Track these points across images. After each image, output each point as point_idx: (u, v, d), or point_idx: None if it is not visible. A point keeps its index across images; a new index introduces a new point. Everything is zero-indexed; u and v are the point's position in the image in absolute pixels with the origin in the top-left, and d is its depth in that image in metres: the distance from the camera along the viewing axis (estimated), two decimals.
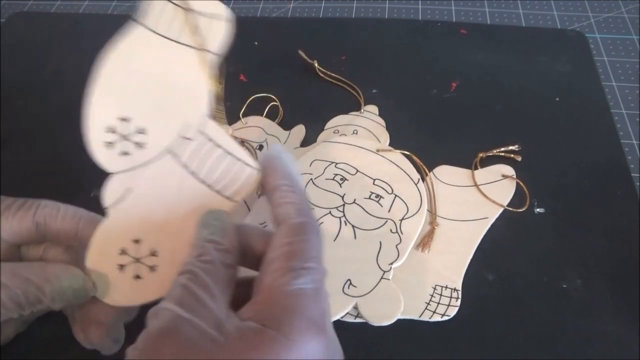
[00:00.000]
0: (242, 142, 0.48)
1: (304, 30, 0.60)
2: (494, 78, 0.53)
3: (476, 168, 0.46)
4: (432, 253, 0.40)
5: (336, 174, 0.44)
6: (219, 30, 0.34)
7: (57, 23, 0.64)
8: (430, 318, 0.37)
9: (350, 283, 0.37)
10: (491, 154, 0.46)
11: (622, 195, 0.44)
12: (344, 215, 0.41)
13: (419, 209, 0.42)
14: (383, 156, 0.45)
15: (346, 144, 0.46)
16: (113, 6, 0.66)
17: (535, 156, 0.46)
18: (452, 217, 0.43)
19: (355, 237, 0.40)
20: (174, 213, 0.32)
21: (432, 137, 0.49)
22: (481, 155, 0.46)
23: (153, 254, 0.31)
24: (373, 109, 0.51)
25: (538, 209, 0.43)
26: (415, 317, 0.37)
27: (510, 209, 0.43)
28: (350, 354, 0.27)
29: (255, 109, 0.51)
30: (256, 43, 0.59)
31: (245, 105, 0.51)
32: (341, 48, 0.57)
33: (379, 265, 0.39)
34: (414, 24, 0.60)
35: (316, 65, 0.54)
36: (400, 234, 0.41)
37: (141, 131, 0.33)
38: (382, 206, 0.42)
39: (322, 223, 0.41)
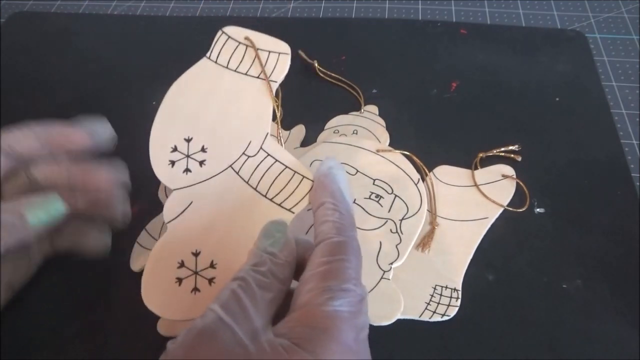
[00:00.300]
0: None
1: (304, 31, 0.60)
2: (494, 78, 0.53)
3: (476, 168, 0.46)
4: (433, 253, 0.40)
5: None
6: (280, 64, 0.40)
7: (57, 23, 0.64)
8: (430, 318, 0.37)
9: None
10: (491, 154, 0.46)
11: (622, 195, 0.44)
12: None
13: (419, 209, 0.42)
14: (383, 156, 0.45)
15: (346, 144, 0.46)
16: (113, 6, 0.66)
17: (535, 156, 0.46)
18: (452, 217, 0.43)
19: None
20: (233, 225, 0.33)
21: (432, 137, 0.49)
22: (481, 155, 0.46)
23: (212, 265, 0.32)
24: (373, 109, 0.51)
25: (538, 209, 0.43)
26: (415, 317, 0.37)
27: (511, 209, 0.43)
28: None
29: None
30: None
31: None
32: (341, 48, 0.57)
33: (379, 265, 0.39)
34: (414, 24, 0.60)
35: (316, 65, 0.54)
36: (400, 234, 0.41)
37: (205, 150, 0.35)
38: (382, 206, 0.42)
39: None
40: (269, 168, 0.34)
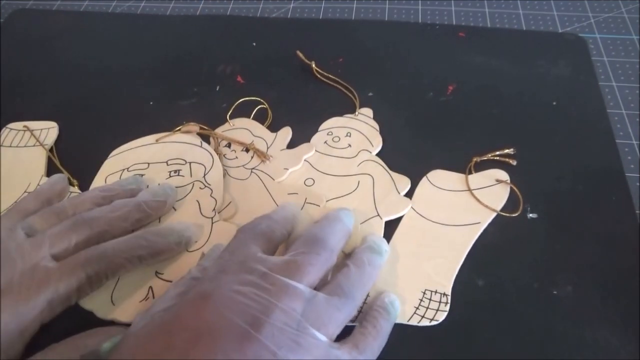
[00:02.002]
0: (229, 145, 0.49)
1: (303, 31, 0.60)
2: (490, 82, 0.53)
3: (470, 172, 0.46)
4: (423, 258, 0.40)
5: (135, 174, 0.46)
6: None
7: (57, 21, 0.64)
8: (418, 322, 0.37)
9: None
10: (486, 158, 0.46)
11: (616, 201, 0.43)
12: None
13: (212, 164, 0.47)
14: (167, 141, 0.49)
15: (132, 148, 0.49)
16: (114, 5, 0.67)
17: (530, 161, 0.46)
18: (444, 221, 0.42)
19: None
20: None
21: (427, 140, 0.48)
22: (475, 159, 0.46)
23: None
24: (368, 111, 0.51)
25: (531, 214, 0.43)
26: (404, 322, 0.37)
27: (504, 213, 0.43)
28: None
29: (246, 112, 0.52)
30: (254, 44, 0.59)
31: (232, 108, 0.52)
32: (339, 50, 0.57)
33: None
34: (412, 26, 0.60)
35: (314, 66, 0.54)
36: (207, 184, 0.45)
37: None
38: (183, 176, 0.46)
39: None
40: None
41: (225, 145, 0.49)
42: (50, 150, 0.49)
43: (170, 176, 0.46)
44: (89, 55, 0.60)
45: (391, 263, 0.40)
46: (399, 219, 0.43)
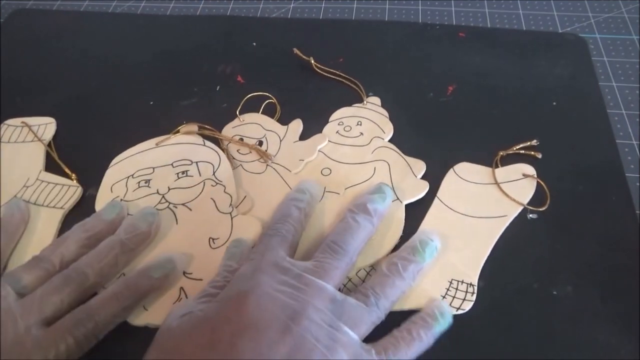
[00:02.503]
0: (241, 139, 0.49)
1: (303, 31, 0.60)
2: (490, 82, 0.53)
3: (497, 166, 0.46)
4: (450, 248, 0.41)
5: (139, 181, 0.46)
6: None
7: (57, 21, 0.64)
8: None
9: None
10: (511, 152, 0.46)
11: (616, 201, 0.43)
12: (169, 203, 0.45)
13: (220, 161, 0.47)
14: (165, 144, 0.49)
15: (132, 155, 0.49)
16: (114, 5, 0.67)
17: (530, 161, 0.46)
18: (470, 213, 0.43)
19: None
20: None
21: (427, 141, 0.48)
22: (501, 153, 0.46)
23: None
24: (376, 100, 0.52)
25: (531, 215, 0.43)
26: None
27: (530, 207, 0.43)
28: None
29: (253, 109, 0.52)
30: (254, 44, 0.59)
31: (242, 103, 0.52)
32: (340, 50, 0.57)
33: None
34: (412, 26, 0.60)
35: (312, 62, 0.54)
36: (218, 181, 0.45)
37: None
38: (192, 176, 0.46)
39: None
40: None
41: (238, 141, 0.49)
42: (49, 145, 0.50)
43: (179, 177, 0.46)
44: (89, 55, 0.60)
45: None
46: (425, 210, 0.43)
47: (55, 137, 0.51)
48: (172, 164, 0.47)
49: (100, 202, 0.45)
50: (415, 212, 0.43)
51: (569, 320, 0.37)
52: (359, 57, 0.56)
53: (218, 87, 0.54)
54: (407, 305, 0.38)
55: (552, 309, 0.38)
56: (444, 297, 0.38)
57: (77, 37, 0.62)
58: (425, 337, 0.35)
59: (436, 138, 0.49)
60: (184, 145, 0.49)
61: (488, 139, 0.48)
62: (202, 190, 0.45)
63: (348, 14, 0.63)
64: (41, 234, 0.43)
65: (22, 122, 0.51)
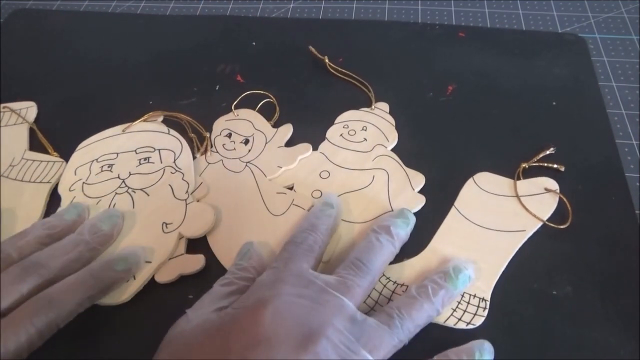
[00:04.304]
0: (229, 134, 0.49)
1: (302, 31, 0.60)
2: (490, 81, 0.53)
3: (519, 178, 0.45)
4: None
5: (103, 165, 0.47)
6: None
7: (57, 21, 0.65)
8: (455, 325, 0.37)
9: None
10: (533, 164, 0.46)
11: (615, 201, 0.43)
12: (129, 187, 0.45)
13: (182, 150, 0.48)
14: (132, 131, 0.50)
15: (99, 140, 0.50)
16: (114, 5, 0.67)
17: (530, 161, 0.46)
18: (488, 225, 0.42)
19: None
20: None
21: (426, 141, 0.48)
22: (524, 165, 0.45)
23: None
24: (384, 106, 0.51)
25: None
26: (439, 323, 0.37)
27: (551, 224, 0.42)
28: None
29: (252, 108, 0.52)
30: (254, 43, 0.59)
31: (240, 98, 0.52)
32: (339, 50, 0.57)
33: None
34: (412, 26, 0.60)
35: (327, 61, 0.54)
36: (178, 169, 0.46)
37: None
38: (154, 163, 0.47)
39: (114, 204, 0.45)
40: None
41: (226, 136, 0.49)
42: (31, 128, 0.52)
43: (140, 164, 0.47)
44: (88, 55, 0.60)
45: (430, 262, 0.40)
46: (441, 218, 0.43)
47: (54, 136, 0.51)
48: (135, 151, 0.48)
49: (64, 184, 0.46)
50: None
51: (569, 320, 0.37)
52: (358, 57, 0.56)
53: (217, 87, 0.54)
54: None
55: (552, 309, 0.38)
56: (454, 309, 0.37)
57: (77, 37, 0.62)
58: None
59: (435, 138, 0.49)
60: (149, 133, 0.50)
61: (487, 139, 0.48)
62: (161, 177, 0.46)
63: (348, 14, 0.63)
64: (28, 208, 0.45)
65: (5, 107, 0.53)
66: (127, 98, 0.54)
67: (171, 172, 0.46)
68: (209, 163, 0.47)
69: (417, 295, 0.35)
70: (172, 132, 0.50)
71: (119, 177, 0.46)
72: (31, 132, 0.51)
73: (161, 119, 0.51)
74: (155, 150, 0.48)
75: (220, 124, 0.50)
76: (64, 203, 0.45)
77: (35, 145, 0.50)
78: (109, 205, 0.44)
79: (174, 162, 0.47)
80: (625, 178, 0.45)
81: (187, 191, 0.44)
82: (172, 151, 0.48)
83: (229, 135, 0.49)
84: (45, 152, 0.49)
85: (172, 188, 0.45)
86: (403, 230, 0.40)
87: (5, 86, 0.56)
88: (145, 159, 0.47)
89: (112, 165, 0.47)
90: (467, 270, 0.37)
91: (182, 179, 0.45)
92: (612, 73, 0.55)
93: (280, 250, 0.38)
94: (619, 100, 0.52)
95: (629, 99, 0.52)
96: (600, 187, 0.44)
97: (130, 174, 0.46)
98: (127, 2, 0.67)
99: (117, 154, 0.48)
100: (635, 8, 0.62)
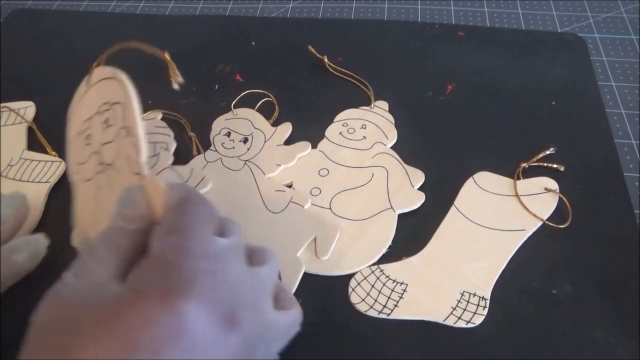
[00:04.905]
0: (229, 133, 0.49)
1: (302, 31, 0.60)
2: (489, 81, 0.53)
3: (519, 178, 0.45)
4: (463, 259, 0.40)
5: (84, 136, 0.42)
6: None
7: (57, 21, 0.65)
8: (454, 323, 0.37)
9: None
10: (533, 164, 0.46)
11: (615, 201, 0.43)
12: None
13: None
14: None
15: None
16: (113, 5, 0.67)
17: (529, 160, 0.46)
18: (488, 224, 0.42)
19: None
20: None
21: (424, 140, 0.49)
22: (524, 165, 0.45)
23: None
24: (383, 104, 0.51)
25: None
26: (439, 321, 0.37)
27: (550, 224, 0.42)
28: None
29: (251, 107, 0.52)
30: (253, 43, 0.59)
31: (239, 97, 0.52)
32: (338, 49, 0.57)
33: None
34: (411, 26, 0.60)
35: (326, 60, 0.54)
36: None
37: None
38: (112, 125, 0.38)
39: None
40: None
41: (225, 135, 0.49)
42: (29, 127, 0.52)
43: (105, 128, 0.36)
44: (88, 55, 0.59)
45: (430, 260, 0.40)
46: (440, 217, 0.43)
47: (53, 136, 0.50)
48: (97, 111, 0.38)
49: (71, 167, 0.39)
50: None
51: (569, 320, 0.37)
52: (357, 56, 0.56)
53: (217, 86, 0.54)
54: (415, 315, 0.38)
55: (552, 308, 0.38)
56: (454, 308, 0.37)
57: (77, 37, 0.62)
58: None
59: (434, 137, 0.49)
60: (104, 83, 0.40)
61: (487, 139, 0.48)
62: (118, 146, 0.35)
63: (347, 14, 0.63)
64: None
65: (3, 106, 0.53)
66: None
67: (123, 136, 0.35)
68: (208, 161, 0.47)
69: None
70: (117, 73, 0.39)
71: (96, 152, 0.37)
72: (30, 131, 0.51)
73: (160, 116, 0.51)
74: (110, 105, 0.37)
75: (220, 123, 0.50)
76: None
77: (34, 145, 0.50)
78: (97, 190, 0.36)
79: (122, 120, 0.36)
80: (624, 178, 0.45)
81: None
82: (120, 103, 0.37)
83: (228, 134, 0.49)
84: (44, 152, 0.49)
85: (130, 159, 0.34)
86: None
87: (5, 86, 0.56)
88: (105, 121, 0.37)
89: (89, 135, 0.38)
90: None
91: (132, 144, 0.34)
92: (612, 73, 0.55)
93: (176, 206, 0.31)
94: (619, 100, 0.52)
95: (628, 99, 0.52)
96: (600, 186, 0.44)
97: (101, 145, 0.36)
98: (126, 2, 0.67)
99: (89, 119, 0.39)
100: (635, 8, 0.62)
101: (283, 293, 0.34)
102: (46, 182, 0.47)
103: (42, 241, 0.39)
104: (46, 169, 0.48)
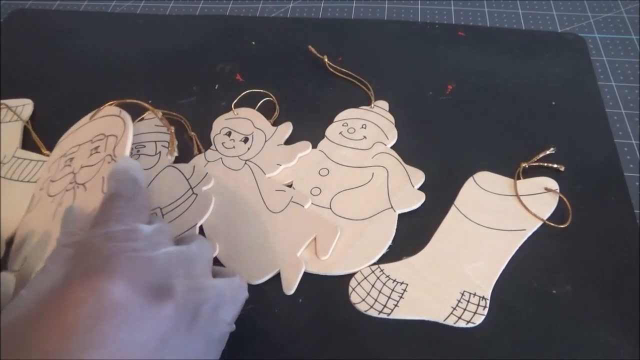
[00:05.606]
0: (229, 131, 0.49)
1: (302, 31, 0.60)
2: (489, 81, 0.53)
3: (519, 178, 0.45)
4: (464, 259, 0.40)
5: (67, 159, 0.45)
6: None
7: (57, 21, 0.65)
8: (454, 323, 0.37)
9: None
10: (533, 164, 0.46)
11: (615, 201, 0.43)
12: (76, 183, 0.42)
13: (122, 135, 0.43)
14: (98, 117, 0.47)
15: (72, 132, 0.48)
16: (113, 5, 0.67)
17: (529, 160, 0.46)
18: (488, 224, 0.42)
19: None
20: None
21: (425, 140, 0.48)
22: (524, 165, 0.45)
23: None
24: (384, 104, 0.51)
25: None
26: (439, 321, 0.37)
27: (551, 223, 0.42)
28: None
29: (252, 107, 0.52)
30: (253, 43, 0.59)
31: (240, 96, 0.52)
32: (338, 49, 0.57)
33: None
34: (412, 25, 0.60)
35: (326, 60, 0.54)
36: (114, 158, 0.42)
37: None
38: (99, 152, 0.43)
39: (61, 203, 0.41)
40: None
41: (225, 134, 0.49)
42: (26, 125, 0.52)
43: (91, 154, 0.42)
44: (88, 54, 0.60)
45: (430, 260, 0.40)
46: (441, 217, 0.43)
47: (53, 136, 0.50)
48: (91, 140, 0.44)
49: (39, 183, 0.45)
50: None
51: (569, 320, 0.37)
52: (358, 56, 0.56)
53: (217, 86, 0.54)
54: (416, 315, 0.38)
55: (552, 309, 0.38)
56: (454, 308, 0.37)
57: (77, 37, 0.62)
58: None
59: (434, 137, 0.49)
60: (108, 119, 0.45)
61: (487, 139, 0.48)
62: (99, 169, 0.41)
63: (347, 14, 0.63)
64: (14, 207, 0.44)
65: (1, 104, 0.52)
66: (126, 98, 0.54)
67: (108, 162, 0.40)
68: (208, 161, 0.47)
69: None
70: (123, 113, 0.44)
71: (73, 172, 0.42)
72: (27, 130, 0.51)
73: (160, 115, 0.51)
74: (105, 137, 0.43)
75: (220, 122, 0.50)
76: (34, 203, 0.43)
77: (30, 143, 0.50)
78: (58, 205, 0.40)
79: (113, 149, 0.41)
80: (624, 177, 0.45)
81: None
82: (115, 136, 0.43)
83: (229, 134, 0.49)
84: (39, 150, 0.49)
85: (103, 182, 0.39)
86: None
87: (5, 86, 0.56)
88: (95, 148, 0.43)
89: (72, 159, 0.44)
90: None
91: None
92: (612, 73, 0.55)
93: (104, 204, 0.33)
94: (619, 100, 0.52)
95: (628, 99, 0.52)
96: (600, 186, 0.44)
97: (81, 167, 0.42)
98: (126, 2, 0.67)
99: (79, 145, 0.45)
100: (635, 8, 0.62)
101: (221, 270, 0.36)
102: (35, 182, 0.46)
103: (9, 279, 0.38)
104: (36, 169, 0.47)
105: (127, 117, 0.44)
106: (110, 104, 0.47)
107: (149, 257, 0.30)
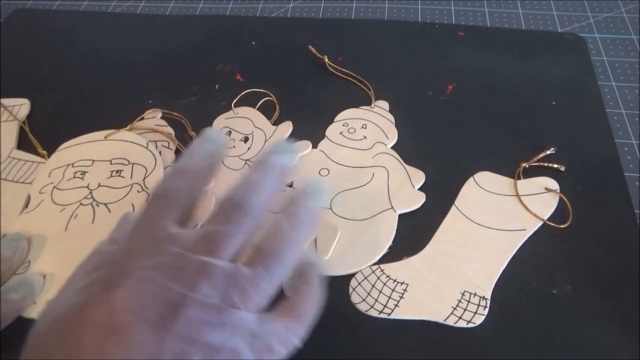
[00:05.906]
0: (229, 132, 0.49)
1: (302, 31, 0.60)
2: (490, 81, 0.53)
3: (519, 178, 0.45)
4: (464, 259, 0.40)
5: (76, 171, 0.46)
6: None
7: (57, 21, 0.65)
8: (455, 323, 0.37)
9: None
10: (534, 164, 0.46)
11: (615, 201, 0.43)
12: (94, 200, 0.44)
13: (154, 167, 0.46)
14: (115, 139, 0.49)
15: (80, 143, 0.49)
16: (113, 5, 0.67)
17: (529, 160, 0.46)
18: (488, 224, 0.42)
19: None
20: None
21: (425, 140, 0.49)
22: (524, 165, 0.45)
23: None
24: (384, 104, 0.51)
25: None
26: (440, 321, 0.37)
27: (551, 223, 0.42)
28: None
29: (252, 107, 0.52)
30: (253, 43, 0.59)
31: (240, 96, 0.52)
32: (339, 49, 0.57)
33: None
34: (412, 25, 0.60)
35: (326, 60, 0.54)
36: (145, 188, 0.45)
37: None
38: (124, 177, 0.45)
39: (76, 216, 0.43)
40: None
41: (225, 134, 0.49)
42: (22, 124, 0.51)
43: (112, 176, 0.45)
44: (88, 54, 0.60)
45: (431, 260, 0.40)
46: (441, 217, 0.43)
47: (52, 136, 0.50)
48: (110, 161, 0.47)
49: (36, 185, 0.46)
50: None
51: (569, 320, 0.37)
52: (358, 56, 0.56)
53: (217, 86, 0.54)
54: (416, 315, 0.38)
55: (552, 309, 0.38)
56: (455, 308, 0.37)
57: (77, 36, 0.62)
58: (319, 283, 0.31)
59: (435, 137, 0.49)
60: (128, 144, 0.48)
61: (487, 139, 0.48)
62: (127, 194, 0.44)
63: (347, 14, 0.63)
64: (8, 207, 0.44)
65: None
66: (126, 97, 0.54)
67: (137, 191, 0.44)
68: None
69: (280, 226, 0.30)
70: (151, 146, 0.48)
71: (87, 187, 0.45)
72: (23, 130, 0.51)
73: (159, 115, 0.51)
74: (129, 163, 0.46)
75: (220, 122, 0.50)
76: (32, 205, 0.44)
77: (26, 143, 0.50)
78: (71, 217, 0.43)
79: (143, 180, 0.45)
80: (624, 177, 0.45)
81: None
82: (144, 167, 0.46)
83: (229, 133, 0.49)
84: (35, 150, 0.49)
85: (134, 208, 0.43)
86: (284, 157, 0.33)
87: (5, 86, 0.55)
88: (117, 171, 0.46)
89: (85, 172, 0.46)
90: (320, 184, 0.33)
91: (146, 200, 0.41)
92: (612, 73, 0.55)
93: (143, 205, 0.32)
94: (619, 99, 0.52)
95: (628, 99, 0.52)
96: (600, 186, 0.44)
97: (99, 185, 0.45)
98: (126, 2, 0.67)
99: (93, 161, 0.47)
100: (635, 8, 0.62)
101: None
102: (30, 183, 0.46)
103: (38, 279, 0.39)
104: (32, 169, 0.47)
105: (155, 150, 0.47)
106: (127, 129, 0.49)
107: (167, 279, 0.27)
